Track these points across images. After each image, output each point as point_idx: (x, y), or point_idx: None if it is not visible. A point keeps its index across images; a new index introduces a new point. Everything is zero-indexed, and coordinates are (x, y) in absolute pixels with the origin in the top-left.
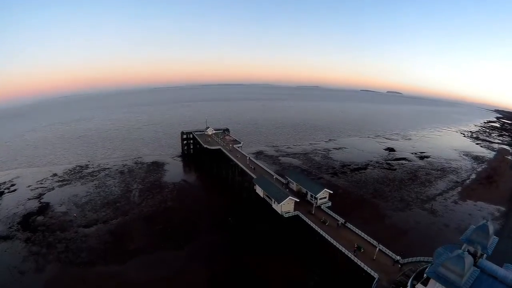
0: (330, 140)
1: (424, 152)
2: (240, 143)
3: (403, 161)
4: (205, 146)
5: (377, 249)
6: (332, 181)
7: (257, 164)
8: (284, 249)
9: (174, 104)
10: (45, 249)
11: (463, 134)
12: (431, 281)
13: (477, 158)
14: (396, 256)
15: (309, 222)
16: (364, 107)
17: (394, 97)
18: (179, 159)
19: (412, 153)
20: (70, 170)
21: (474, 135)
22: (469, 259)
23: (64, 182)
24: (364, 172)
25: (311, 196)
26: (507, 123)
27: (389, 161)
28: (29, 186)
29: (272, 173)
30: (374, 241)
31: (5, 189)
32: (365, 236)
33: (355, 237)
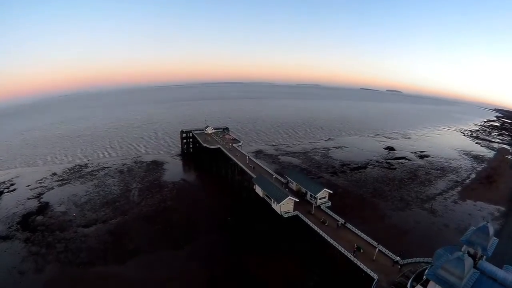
0: (329, 139)
1: (424, 151)
2: (239, 142)
3: (403, 160)
4: (204, 145)
5: (377, 249)
6: (331, 180)
7: (257, 163)
8: (284, 249)
9: (173, 103)
10: (45, 249)
11: (463, 133)
12: (431, 283)
13: (477, 158)
14: (396, 257)
15: (309, 222)
16: (363, 105)
17: (393, 95)
18: (179, 158)
19: (412, 152)
20: (69, 170)
21: (474, 134)
22: (469, 261)
23: (64, 182)
24: (364, 171)
25: (311, 195)
26: (507, 122)
27: (389, 160)
28: (28, 185)
29: (272, 172)
30: (374, 241)
31: (4, 188)
32: (365, 237)
33: (355, 238)
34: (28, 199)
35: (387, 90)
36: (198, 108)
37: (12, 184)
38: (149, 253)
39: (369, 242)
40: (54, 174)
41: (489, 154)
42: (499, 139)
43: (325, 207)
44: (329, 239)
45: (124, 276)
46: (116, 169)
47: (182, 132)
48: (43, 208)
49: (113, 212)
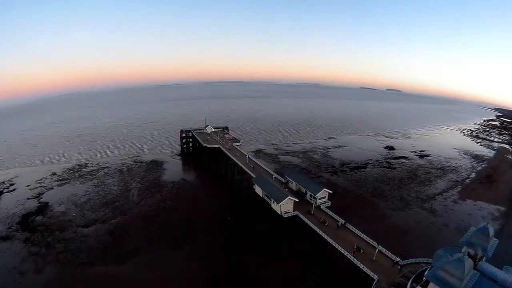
0: (329, 138)
1: (423, 151)
2: (239, 141)
3: (403, 160)
4: (204, 144)
5: (377, 250)
6: (331, 180)
7: (256, 163)
8: (283, 249)
9: (173, 102)
10: (44, 250)
11: (463, 132)
12: (431, 284)
13: (477, 157)
14: (396, 257)
15: (309, 222)
16: (363, 104)
17: (393, 94)
18: (178, 157)
19: (411, 152)
20: (69, 169)
21: (474, 134)
22: (469, 263)
23: (63, 182)
24: (364, 171)
25: (311, 195)
26: (507, 122)
27: (388, 160)
28: (28, 185)
29: (272, 172)
30: (374, 242)
31: (4, 188)
32: (365, 237)
33: (355, 238)
34: (28, 199)
35: (387, 89)
36: (197, 107)
37: (11, 184)
38: (149, 253)
39: (369, 243)
40: (54, 174)
41: (489, 153)
42: (499, 138)
43: (325, 207)
44: (329, 239)
45: (124, 276)
46: (116, 168)
47: (181, 131)
48: (43, 208)
49: (113, 212)
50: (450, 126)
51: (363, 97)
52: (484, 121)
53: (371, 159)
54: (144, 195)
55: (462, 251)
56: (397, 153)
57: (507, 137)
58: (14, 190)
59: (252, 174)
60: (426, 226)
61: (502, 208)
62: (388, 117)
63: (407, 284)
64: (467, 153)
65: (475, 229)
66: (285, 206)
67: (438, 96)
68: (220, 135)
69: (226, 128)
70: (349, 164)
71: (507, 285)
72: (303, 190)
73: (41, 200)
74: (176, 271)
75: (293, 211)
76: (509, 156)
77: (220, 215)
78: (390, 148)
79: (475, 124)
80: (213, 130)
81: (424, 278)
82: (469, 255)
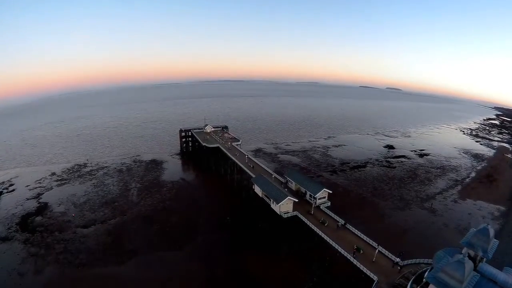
0: (329, 137)
1: (423, 150)
2: (239, 141)
3: (403, 159)
4: (203, 144)
5: (377, 250)
6: (331, 179)
7: (256, 163)
8: (283, 250)
9: (173, 101)
10: (44, 250)
11: (463, 131)
12: (431, 286)
13: (476, 156)
14: (396, 258)
15: (308, 223)
16: (363, 103)
17: (393, 93)
18: (178, 157)
19: (411, 151)
20: (68, 169)
21: (474, 133)
22: (469, 265)
23: (63, 182)
24: (364, 170)
25: (310, 195)
26: (507, 121)
27: (388, 159)
28: (27, 185)
29: (271, 172)
30: (373, 242)
31: (4, 189)
32: (365, 238)
33: (355, 238)
34: (27, 199)
35: (387, 88)
36: (197, 106)
37: (11, 185)
38: (148, 254)
39: (369, 243)
40: (53, 174)
41: (489, 152)
42: (498, 137)
43: (325, 207)
44: (328, 240)
45: (124, 277)
46: (115, 168)
47: (181, 131)
48: (42, 208)
49: (112, 212)
50: (450, 125)
51: (362, 96)
52: (484, 120)
53: (371, 158)
54: (143, 195)
55: (462, 252)
56: (397, 152)
57: (507, 136)
58: (13, 190)
59: (252, 174)
60: (426, 226)
61: (502, 208)
62: (387, 116)
63: (407, 285)
64: (467, 152)
65: (475, 230)
66: (285, 206)
67: (438, 94)
68: (220, 135)
69: (226, 127)
70: (349, 163)
71: (507, 286)
72: (303, 190)
73: (40, 200)
74: (176, 271)
75: (293, 211)
76: (509, 156)
77: (219, 215)
78: (390, 147)
79: (475, 123)
80: (213, 129)
81: (424, 279)
82: (469, 256)
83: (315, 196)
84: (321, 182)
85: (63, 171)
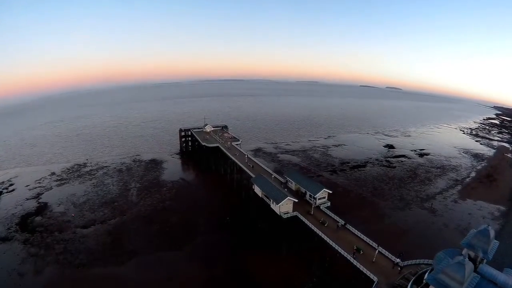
0: (329, 136)
1: (423, 149)
2: (238, 140)
3: (403, 159)
4: (203, 143)
5: (377, 251)
6: (331, 179)
7: (256, 162)
8: (283, 250)
9: (172, 100)
10: (44, 251)
11: (463, 131)
12: (431, 287)
13: (476, 156)
14: (396, 259)
15: (308, 223)
16: (363, 103)
17: (393, 92)
18: (178, 156)
19: (411, 150)
20: (68, 169)
21: (474, 132)
22: (469, 266)
23: (62, 181)
24: (364, 170)
25: (310, 196)
26: (507, 120)
27: (388, 158)
28: (27, 185)
29: (271, 171)
30: (374, 243)
31: (3, 189)
32: (365, 238)
33: (355, 239)
34: (27, 199)
35: (387, 87)
36: (197, 105)
37: (11, 184)
38: (148, 254)
39: (369, 244)
40: (53, 173)
41: (489, 152)
42: (498, 137)
43: (325, 207)
44: (328, 240)
45: (124, 277)
46: (115, 168)
47: (181, 130)
48: (42, 208)
49: (112, 212)
50: (450, 125)
51: (363, 95)
52: (484, 119)
53: (371, 158)
54: (143, 195)
55: (463, 253)
56: (397, 151)
57: (507, 136)
58: (13, 190)
59: (251, 174)
60: (426, 226)
61: (502, 208)
62: (387, 115)
63: (407, 286)
64: (467, 151)
65: (475, 231)
66: (285, 207)
67: (438, 94)
68: (220, 134)
69: (226, 127)
70: (348, 163)
71: (507, 287)
72: (303, 190)
73: (40, 200)
74: (176, 271)
75: (293, 212)
76: (509, 155)
77: (219, 215)
78: (390, 146)
79: (475, 122)
80: (212, 129)
81: (424, 281)
82: (470, 258)
83: (315, 196)
84: (321, 182)
85: (62, 171)
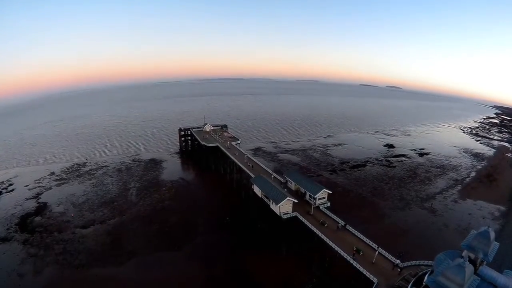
0: (329, 136)
1: (423, 149)
2: (238, 139)
3: (403, 158)
4: (203, 143)
5: (377, 252)
6: (331, 179)
7: (255, 162)
8: (283, 250)
9: (172, 99)
10: (43, 251)
11: (463, 130)
12: None
13: (477, 155)
14: (396, 260)
15: (308, 224)
16: (363, 102)
17: (393, 92)
18: (177, 156)
19: (411, 150)
20: (67, 169)
21: (474, 132)
22: (469, 268)
23: (62, 181)
24: (364, 170)
25: (310, 196)
26: (507, 120)
27: (388, 158)
28: (27, 185)
29: (271, 171)
30: (374, 244)
31: (3, 189)
32: (365, 239)
33: (355, 240)
34: (27, 199)
35: (387, 86)
36: (197, 104)
37: (10, 184)
38: (147, 254)
39: (368, 245)
40: (53, 173)
41: (489, 152)
42: (498, 136)
43: (325, 207)
44: (328, 241)
45: (123, 277)
46: (114, 167)
47: (180, 129)
48: (41, 208)
49: (111, 212)
50: (450, 124)
51: (363, 95)
52: (484, 118)
53: (370, 157)
54: (142, 195)
55: (463, 255)
56: (397, 151)
57: (507, 135)
58: (13, 190)
59: (251, 174)
60: (426, 226)
61: (502, 208)
62: (387, 114)
63: (407, 287)
64: (467, 151)
65: (476, 232)
66: (284, 207)
67: (438, 93)
68: (219, 133)
69: (225, 126)
70: (348, 162)
71: None
72: (302, 190)
73: (39, 200)
74: (175, 271)
75: (292, 212)
76: (509, 155)
77: (219, 215)
78: (390, 146)
79: (474, 121)
80: (212, 128)
81: (424, 283)
82: (470, 259)
83: (315, 196)
84: (321, 181)
85: (62, 171)
